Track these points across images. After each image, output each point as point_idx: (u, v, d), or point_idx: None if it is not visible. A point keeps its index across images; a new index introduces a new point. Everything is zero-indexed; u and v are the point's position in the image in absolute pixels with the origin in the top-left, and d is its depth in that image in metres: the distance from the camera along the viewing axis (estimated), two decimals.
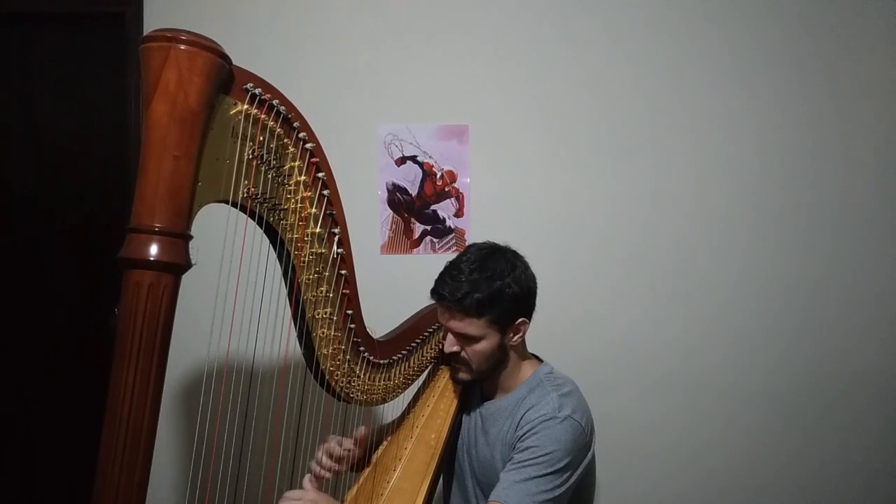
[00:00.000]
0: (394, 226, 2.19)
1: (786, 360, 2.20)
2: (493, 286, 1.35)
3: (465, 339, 1.40)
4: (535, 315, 1.47)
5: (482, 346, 1.39)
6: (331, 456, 1.44)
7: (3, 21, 2.21)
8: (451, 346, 1.42)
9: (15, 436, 2.30)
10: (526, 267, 1.44)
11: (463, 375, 1.47)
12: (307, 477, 1.28)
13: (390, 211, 2.19)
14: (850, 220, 2.21)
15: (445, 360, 1.59)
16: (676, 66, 2.19)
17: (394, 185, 2.19)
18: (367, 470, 1.47)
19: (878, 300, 2.21)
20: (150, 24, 2.11)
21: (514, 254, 1.44)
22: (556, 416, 1.34)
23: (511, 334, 1.42)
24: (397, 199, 2.19)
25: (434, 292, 1.41)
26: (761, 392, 2.20)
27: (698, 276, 2.19)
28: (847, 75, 2.20)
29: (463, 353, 1.42)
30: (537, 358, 1.56)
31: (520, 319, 1.42)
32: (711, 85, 2.20)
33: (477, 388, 1.58)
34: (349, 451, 1.44)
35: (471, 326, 1.37)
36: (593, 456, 1.45)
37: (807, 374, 2.20)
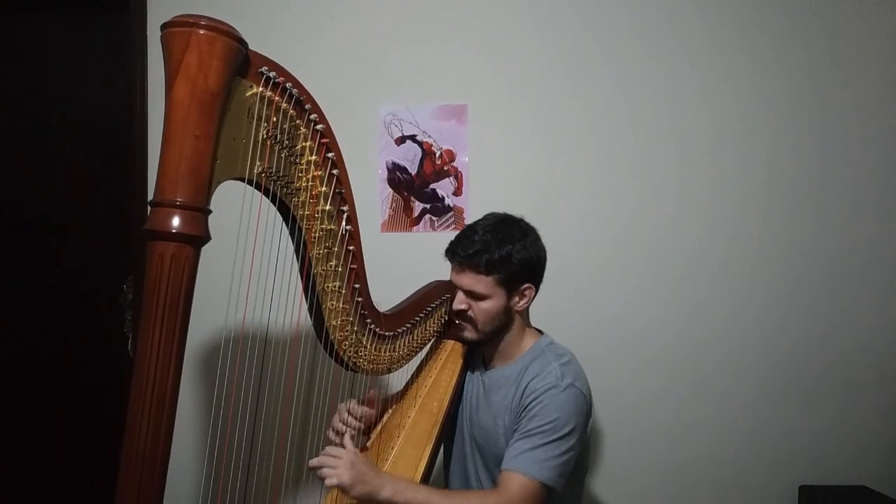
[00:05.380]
0: (394, 204, 2.24)
1: (776, 336, 2.25)
2: (503, 248, 1.44)
3: (473, 297, 1.48)
4: None
5: (489, 304, 1.48)
6: (352, 414, 1.52)
7: (9, 7, 2.24)
8: (459, 303, 1.51)
9: (26, 415, 2.35)
10: (537, 237, 1.53)
11: (468, 335, 1.54)
12: (346, 435, 1.37)
13: (390, 189, 2.24)
14: (838, 196, 2.25)
15: (451, 328, 1.65)
16: (678, 48, 2.23)
17: (393, 164, 2.24)
18: (373, 436, 1.55)
19: (868, 274, 2.25)
20: (154, 8, 2.14)
21: (528, 224, 1.54)
22: (558, 384, 1.41)
23: (517, 298, 1.50)
24: (397, 177, 2.24)
25: (448, 250, 1.51)
26: (753, 367, 2.25)
27: (691, 253, 2.24)
28: (833, 61, 2.24)
29: (470, 312, 1.50)
30: (538, 330, 1.63)
31: (526, 285, 1.50)
32: (709, 65, 2.23)
33: (479, 357, 1.65)
34: (367, 413, 1.53)
35: (479, 284, 1.46)
36: (591, 426, 1.52)
37: (797, 349, 2.25)
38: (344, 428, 1.48)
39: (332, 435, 1.49)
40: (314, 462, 1.27)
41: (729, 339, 2.26)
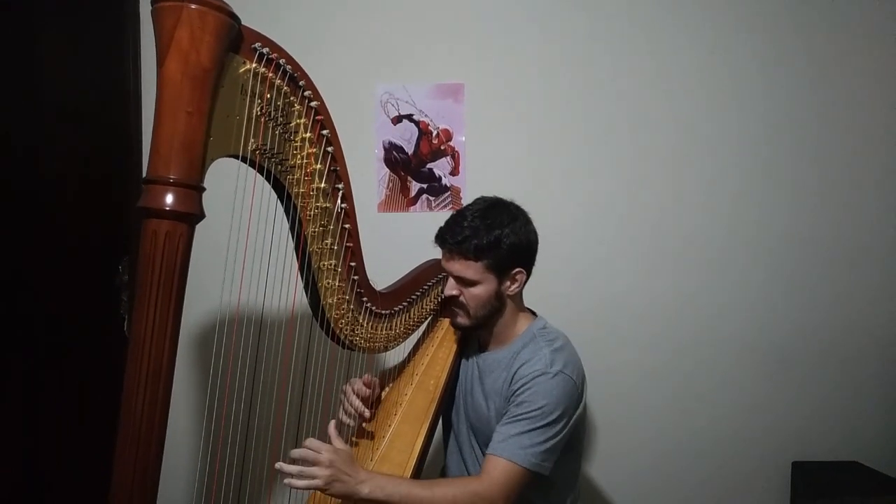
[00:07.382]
0: (390, 184, 2.24)
1: (770, 314, 2.27)
2: (491, 234, 1.43)
3: (464, 283, 1.47)
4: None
5: (479, 290, 1.47)
6: (360, 398, 1.51)
7: None
8: (450, 289, 1.50)
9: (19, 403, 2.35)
10: (527, 221, 1.51)
11: (461, 320, 1.54)
12: (332, 423, 1.35)
13: (387, 169, 2.23)
14: (836, 177, 2.25)
15: (444, 311, 1.66)
16: (675, 27, 2.22)
17: (390, 143, 2.23)
18: (369, 416, 1.55)
19: (863, 254, 2.26)
20: None
21: (518, 208, 1.52)
22: (547, 371, 1.41)
23: (508, 283, 1.49)
24: (394, 157, 2.23)
25: (438, 237, 1.49)
26: (747, 345, 2.27)
27: (688, 234, 2.25)
28: (831, 48, 2.23)
29: (461, 298, 1.49)
30: (532, 312, 1.62)
31: (517, 269, 1.49)
32: (708, 46, 2.22)
33: (475, 339, 1.66)
34: (372, 392, 1.53)
35: (469, 270, 1.45)
36: (585, 407, 1.52)
37: (791, 327, 2.26)
38: (354, 412, 1.48)
39: (344, 417, 1.49)
40: (294, 454, 1.24)
41: (723, 318, 2.27)
